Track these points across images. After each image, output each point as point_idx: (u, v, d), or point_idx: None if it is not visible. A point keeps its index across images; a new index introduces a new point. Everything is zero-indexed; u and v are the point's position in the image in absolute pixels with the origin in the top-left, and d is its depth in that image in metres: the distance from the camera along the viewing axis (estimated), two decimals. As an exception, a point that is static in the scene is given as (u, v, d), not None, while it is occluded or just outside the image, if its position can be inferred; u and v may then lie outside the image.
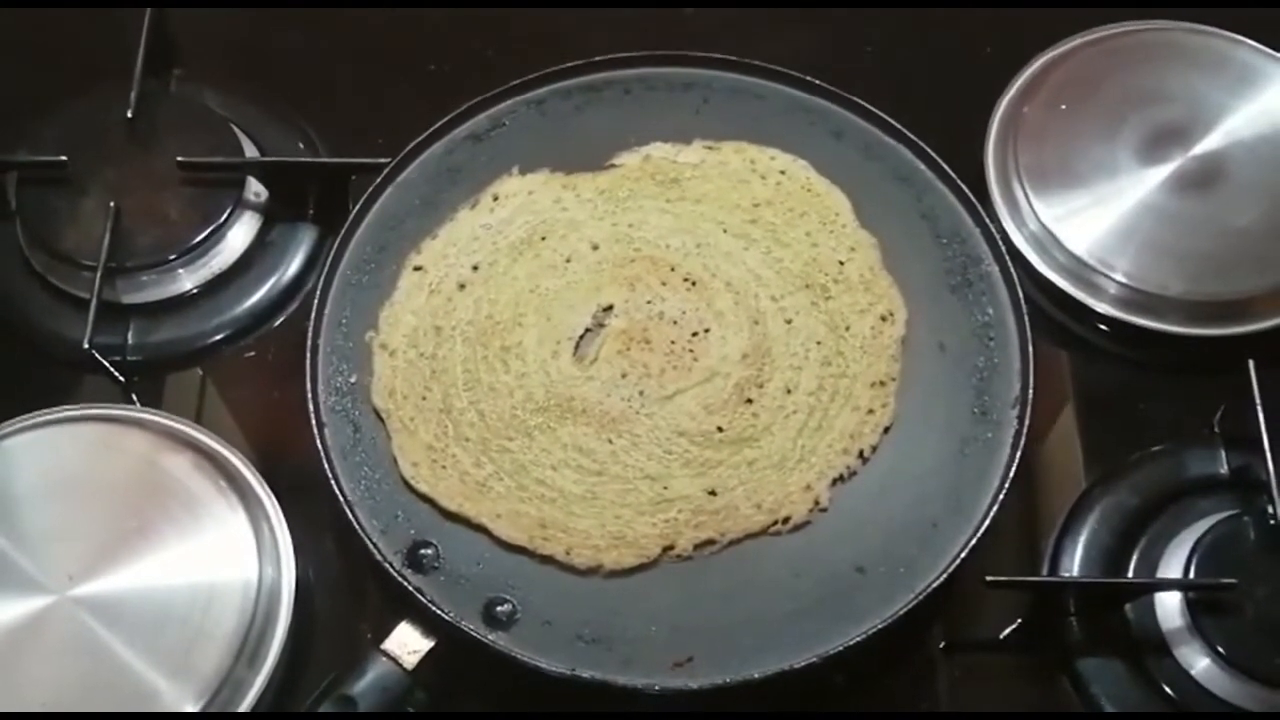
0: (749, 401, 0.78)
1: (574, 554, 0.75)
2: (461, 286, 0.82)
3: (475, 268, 0.82)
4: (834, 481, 0.77)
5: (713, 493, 0.76)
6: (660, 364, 0.79)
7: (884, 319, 0.81)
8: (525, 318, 0.81)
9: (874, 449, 0.78)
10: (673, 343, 0.80)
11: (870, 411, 0.78)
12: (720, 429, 0.78)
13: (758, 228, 0.83)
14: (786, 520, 0.76)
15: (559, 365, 0.79)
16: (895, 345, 0.80)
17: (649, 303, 0.81)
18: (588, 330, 0.81)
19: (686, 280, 0.82)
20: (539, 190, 0.84)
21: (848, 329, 0.80)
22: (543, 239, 0.83)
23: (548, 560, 0.75)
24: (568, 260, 0.82)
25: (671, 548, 0.75)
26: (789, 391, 0.79)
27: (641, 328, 0.80)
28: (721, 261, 0.82)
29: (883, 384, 0.79)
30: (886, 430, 0.78)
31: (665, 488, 0.76)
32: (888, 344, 0.80)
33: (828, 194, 0.84)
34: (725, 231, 0.83)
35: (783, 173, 0.85)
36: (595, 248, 0.83)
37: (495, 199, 0.84)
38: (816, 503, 0.76)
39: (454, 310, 0.81)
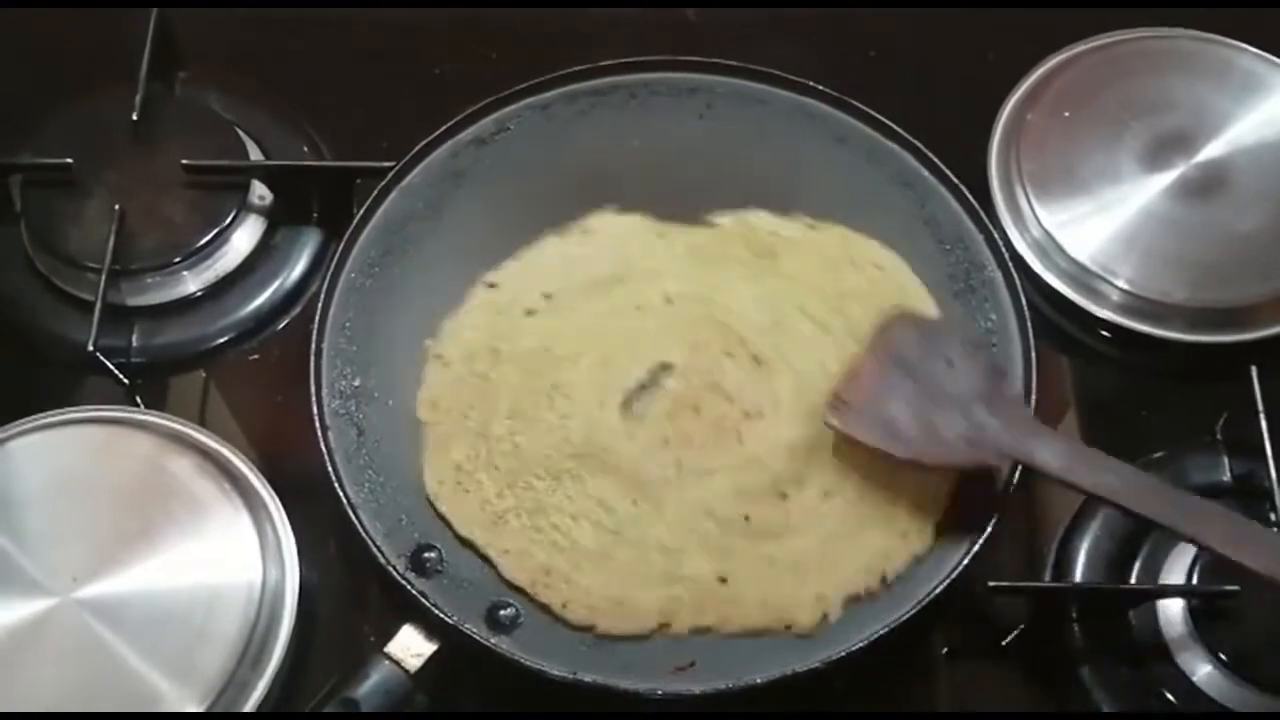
0: (784, 496, 0.76)
1: (569, 609, 0.73)
2: (529, 313, 0.80)
3: (547, 296, 0.81)
4: (849, 600, 0.74)
5: (723, 580, 0.74)
6: (704, 437, 0.76)
7: None
8: (582, 358, 0.79)
9: (899, 577, 0.74)
10: (722, 418, 0.77)
11: (904, 536, 0.75)
12: (747, 518, 0.75)
13: (839, 318, 0.80)
14: (788, 627, 0.73)
15: (605, 415, 0.77)
16: (947, 480, 0.76)
17: (709, 370, 0.78)
18: (642, 386, 0.78)
19: (754, 358, 0.79)
20: (629, 232, 0.83)
21: None
22: (620, 282, 0.81)
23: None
24: (638, 307, 0.80)
25: (668, 625, 0.73)
26: (827, 495, 0.76)
27: (695, 395, 0.77)
28: (793, 346, 0.79)
29: (923, 510, 0.75)
30: (919, 560, 0.75)
31: (677, 564, 0.74)
32: (941, 475, 0.76)
33: (919, 294, 0.82)
34: (805, 315, 0.80)
35: (879, 267, 0.82)
36: (669, 301, 0.80)
37: (584, 232, 0.83)
38: (825, 616, 0.73)
39: (517, 335, 0.79)
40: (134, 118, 0.89)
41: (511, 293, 0.81)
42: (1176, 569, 0.78)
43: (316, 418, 0.77)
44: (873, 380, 0.75)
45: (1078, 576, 0.80)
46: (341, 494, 0.76)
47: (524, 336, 0.80)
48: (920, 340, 0.77)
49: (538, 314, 0.80)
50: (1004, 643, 0.79)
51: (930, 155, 0.85)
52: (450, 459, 0.77)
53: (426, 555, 0.75)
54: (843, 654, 0.72)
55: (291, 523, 0.77)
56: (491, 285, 0.81)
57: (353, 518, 0.75)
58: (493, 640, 0.73)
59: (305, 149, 0.93)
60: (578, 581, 0.74)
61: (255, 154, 0.91)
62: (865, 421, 0.75)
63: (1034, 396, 0.78)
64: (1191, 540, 0.71)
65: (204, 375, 0.87)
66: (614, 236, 0.83)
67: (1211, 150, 0.89)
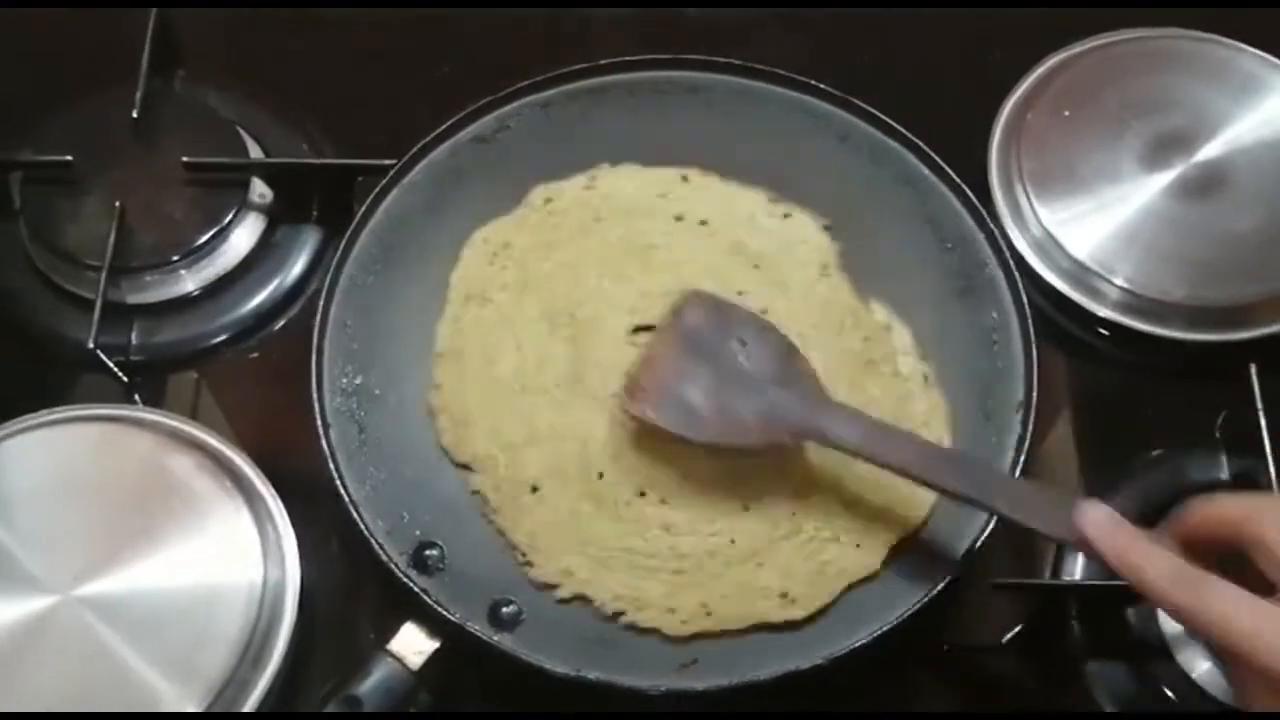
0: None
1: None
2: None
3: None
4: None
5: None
6: None
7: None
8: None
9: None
10: None
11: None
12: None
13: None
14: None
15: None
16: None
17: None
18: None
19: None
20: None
21: None
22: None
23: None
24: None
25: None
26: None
27: None
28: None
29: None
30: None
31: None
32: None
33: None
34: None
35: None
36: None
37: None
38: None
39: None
40: (134, 115, 0.89)
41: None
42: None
43: (318, 416, 0.77)
44: (666, 364, 0.75)
45: (1078, 574, 0.80)
46: (343, 492, 0.76)
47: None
48: (711, 321, 0.75)
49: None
50: (1004, 640, 0.80)
51: (931, 154, 0.85)
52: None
53: (428, 553, 0.75)
54: (845, 651, 0.72)
55: (292, 521, 0.77)
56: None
57: (354, 515, 0.75)
58: (495, 637, 0.73)
59: (305, 147, 0.93)
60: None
61: (255, 152, 0.91)
62: (662, 407, 0.74)
63: (1035, 394, 0.78)
64: (988, 509, 0.71)
65: (203, 373, 0.87)
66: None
67: (1211, 150, 0.89)
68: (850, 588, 0.74)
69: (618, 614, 0.74)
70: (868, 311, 0.81)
